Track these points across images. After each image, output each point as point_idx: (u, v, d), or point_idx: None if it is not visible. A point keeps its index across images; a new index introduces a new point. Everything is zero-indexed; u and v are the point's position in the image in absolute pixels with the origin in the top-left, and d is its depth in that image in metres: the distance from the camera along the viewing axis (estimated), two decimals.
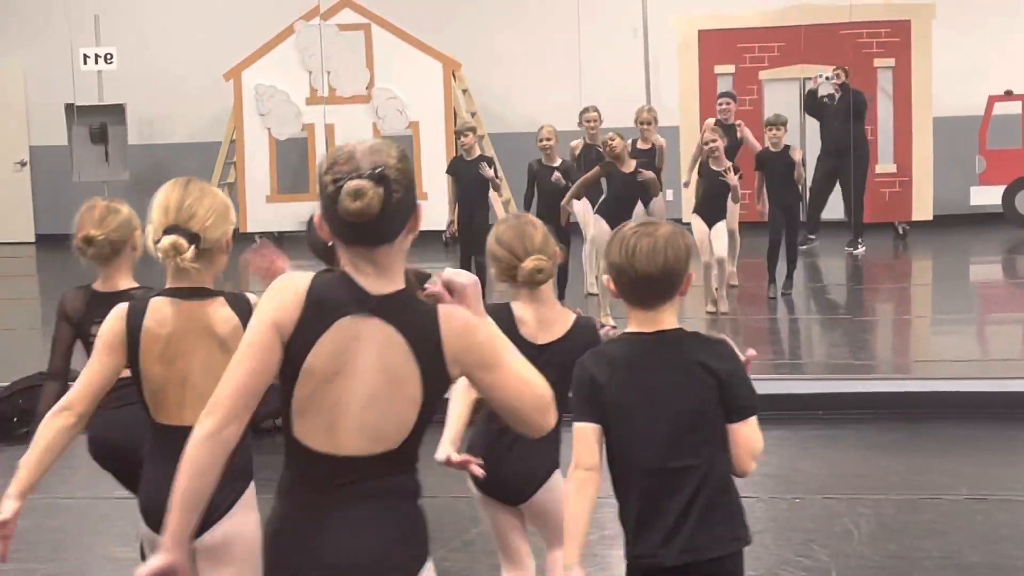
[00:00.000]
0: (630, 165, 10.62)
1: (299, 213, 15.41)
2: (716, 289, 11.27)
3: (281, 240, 16.17)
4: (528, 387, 2.89)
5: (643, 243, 3.42)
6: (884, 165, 16.94)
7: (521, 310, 4.29)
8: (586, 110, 12.74)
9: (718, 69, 17.09)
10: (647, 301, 3.47)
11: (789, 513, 6.30)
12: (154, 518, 3.44)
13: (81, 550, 6.45)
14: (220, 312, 3.77)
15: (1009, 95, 16.74)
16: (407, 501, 2.94)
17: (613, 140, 10.52)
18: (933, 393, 8.37)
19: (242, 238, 17.69)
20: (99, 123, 17.59)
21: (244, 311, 3.69)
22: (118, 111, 17.53)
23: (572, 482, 3.45)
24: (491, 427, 4.26)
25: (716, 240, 11.21)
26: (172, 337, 3.74)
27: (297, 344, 2.83)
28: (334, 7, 17.36)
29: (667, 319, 3.48)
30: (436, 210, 17.17)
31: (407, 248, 2.91)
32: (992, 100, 16.78)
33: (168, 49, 18.49)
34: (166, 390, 3.77)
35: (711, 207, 11.43)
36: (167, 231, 3.69)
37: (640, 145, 11.97)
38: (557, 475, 4.35)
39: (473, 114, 17.62)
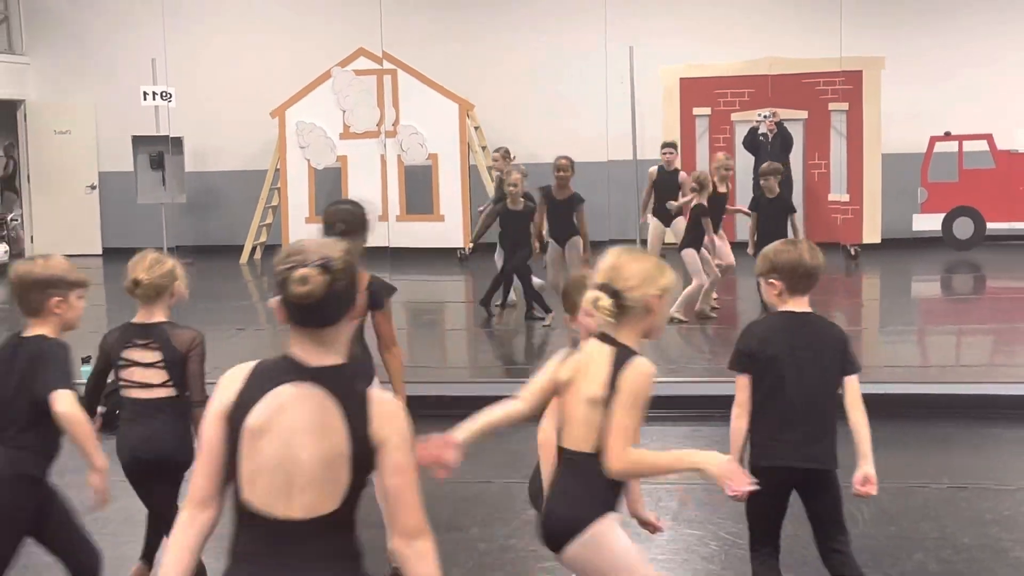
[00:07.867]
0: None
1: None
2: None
3: None
4: (409, 508, 2.69)
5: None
6: (838, 195, 17.00)
7: None
8: (668, 144, 13.10)
9: (696, 111, 17.18)
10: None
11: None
12: None
13: None
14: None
15: (947, 136, 16.84)
16: (350, 564, 2.71)
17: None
18: (899, 395, 8.31)
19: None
20: (157, 151, 17.56)
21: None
22: (177, 143, 17.48)
23: None
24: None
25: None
26: None
27: (238, 413, 2.69)
28: (352, 55, 17.34)
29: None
30: (451, 231, 17.25)
31: (351, 330, 2.81)
32: (933, 140, 16.89)
33: (222, 90, 18.50)
34: None
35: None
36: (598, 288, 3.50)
37: (720, 189, 11.95)
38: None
39: (484, 147, 17.63)
